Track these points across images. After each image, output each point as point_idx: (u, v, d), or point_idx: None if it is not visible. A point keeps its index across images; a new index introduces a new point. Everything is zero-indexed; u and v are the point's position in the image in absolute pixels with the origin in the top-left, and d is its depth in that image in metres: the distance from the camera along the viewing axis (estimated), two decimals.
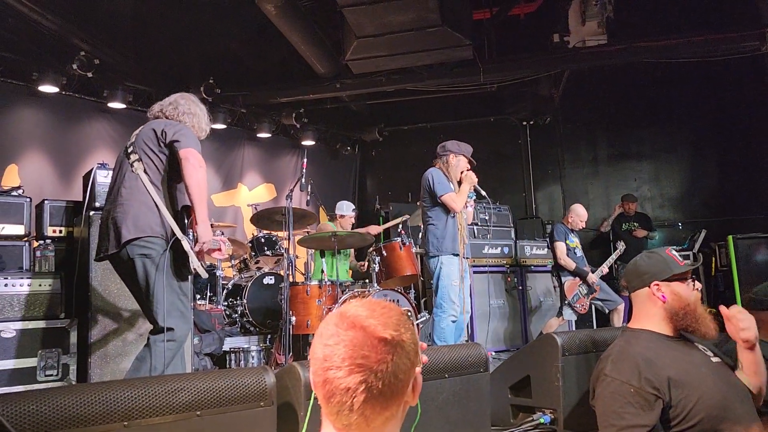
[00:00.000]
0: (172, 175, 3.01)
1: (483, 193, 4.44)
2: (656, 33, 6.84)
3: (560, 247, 5.97)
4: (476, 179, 4.37)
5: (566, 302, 5.88)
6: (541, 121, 8.94)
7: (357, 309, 1.09)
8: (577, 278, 5.93)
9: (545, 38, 7.12)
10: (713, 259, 7.35)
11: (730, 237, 7.01)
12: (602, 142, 9.00)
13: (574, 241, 6.12)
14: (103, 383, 1.67)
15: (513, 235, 6.90)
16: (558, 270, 6.05)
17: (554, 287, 6.32)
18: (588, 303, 5.94)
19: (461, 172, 4.39)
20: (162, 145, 2.99)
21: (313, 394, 1.10)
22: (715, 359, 2.10)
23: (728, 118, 8.33)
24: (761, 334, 2.52)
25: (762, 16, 7.32)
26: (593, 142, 9.03)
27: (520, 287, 6.48)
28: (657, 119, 8.65)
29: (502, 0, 7.02)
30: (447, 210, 4.30)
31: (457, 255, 4.21)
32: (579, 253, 6.11)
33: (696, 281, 2.17)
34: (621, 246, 6.59)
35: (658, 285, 2.09)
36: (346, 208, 6.14)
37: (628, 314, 7.38)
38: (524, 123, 9.11)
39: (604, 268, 6.14)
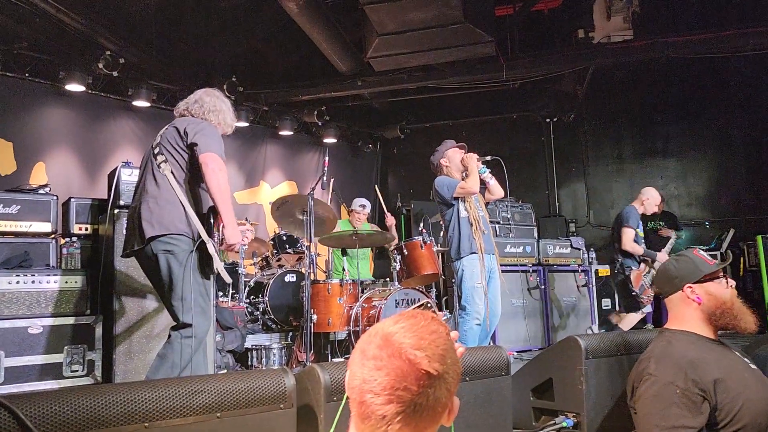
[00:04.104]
0: (196, 174, 3.03)
1: (488, 158, 4.38)
2: (683, 28, 6.71)
3: (628, 232, 5.49)
4: (475, 154, 4.32)
5: (634, 293, 5.49)
6: (565, 118, 8.83)
7: (404, 335, 1.03)
8: (642, 267, 5.51)
9: (569, 34, 7.03)
10: (741, 258, 7.19)
11: (759, 237, 6.85)
12: (627, 139, 8.85)
13: (641, 229, 5.70)
14: (124, 384, 1.68)
15: (536, 234, 6.83)
16: (622, 258, 5.57)
17: (616, 279, 5.79)
18: (651, 295, 5.51)
19: (461, 161, 4.35)
20: (185, 144, 3.02)
21: (345, 399, 1.08)
22: (753, 366, 2.07)
23: (757, 115, 8.13)
24: None
25: None
26: (618, 139, 8.89)
27: (543, 286, 6.41)
28: (684, 116, 8.49)
29: None
30: (456, 211, 4.25)
31: (477, 253, 4.15)
32: (643, 243, 5.64)
33: (729, 278, 2.14)
34: (674, 234, 6.28)
35: (691, 287, 2.07)
36: (354, 203, 6.14)
37: (654, 319, 7.30)
38: (547, 120, 9.01)
39: (663, 256, 5.58)
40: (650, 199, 5.70)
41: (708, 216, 8.34)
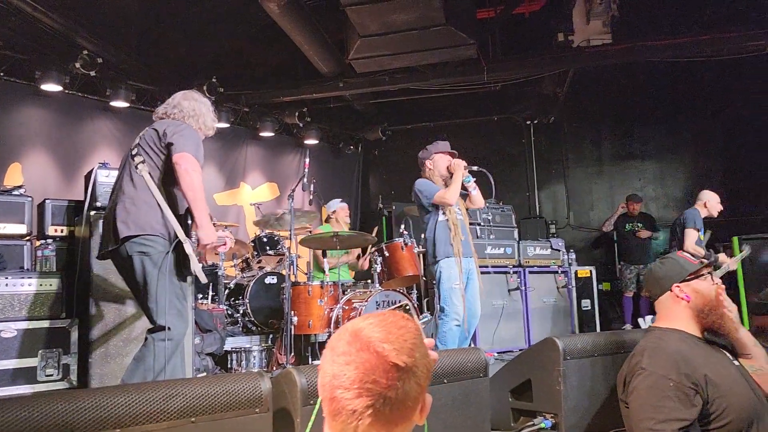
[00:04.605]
0: (174, 175, 3.01)
1: (475, 168, 4.36)
2: (661, 32, 6.79)
3: (692, 234, 5.51)
4: (463, 162, 4.31)
5: None
6: (546, 121, 8.90)
7: (372, 330, 1.05)
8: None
9: (550, 37, 7.07)
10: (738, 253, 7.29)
11: (734, 238, 6.95)
12: (607, 142, 8.95)
13: (703, 233, 5.74)
14: (96, 389, 1.65)
15: (516, 236, 6.87)
16: None
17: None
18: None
19: (447, 167, 4.34)
20: (163, 145, 2.99)
21: (319, 401, 1.08)
22: (736, 362, 2.13)
23: (733, 119, 8.27)
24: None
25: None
26: (598, 142, 8.98)
27: (523, 288, 6.44)
28: (662, 119, 8.60)
29: None
30: (435, 214, 4.26)
31: (454, 257, 4.16)
32: (702, 245, 5.69)
33: (714, 276, 2.21)
34: (747, 248, 5.98)
35: (679, 286, 2.13)
36: (334, 204, 6.13)
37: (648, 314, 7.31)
38: (528, 122, 9.08)
39: (733, 265, 5.65)
40: (711, 200, 5.80)
41: None
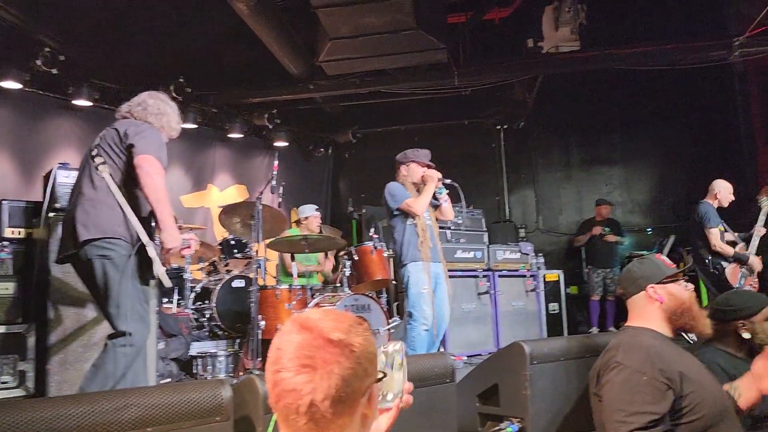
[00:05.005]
0: (136, 177, 2.93)
1: (448, 181, 4.37)
2: (627, 41, 6.92)
3: (715, 233, 5.26)
4: (438, 174, 4.31)
5: (737, 288, 5.23)
6: (515, 126, 8.98)
7: (310, 313, 1.09)
8: (735, 263, 5.29)
9: (519, 43, 7.15)
10: (681, 264, 7.45)
11: None
12: (575, 147, 9.08)
13: (723, 224, 5.44)
14: (47, 399, 1.59)
15: (486, 240, 6.90)
16: (712, 257, 5.33)
17: (711, 279, 5.41)
18: (755, 281, 5.28)
19: (421, 176, 4.34)
20: (124, 146, 2.92)
21: (274, 418, 1.08)
22: (703, 364, 2.17)
23: (696, 126, 8.48)
24: (722, 345, 2.56)
25: (729, 26, 7.48)
26: (566, 147, 9.10)
27: (493, 291, 6.47)
28: (628, 125, 8.76)
29: (477, 4, 7.02)
30: (403, 218, 4.25)
31: (422, 261, 4.15)
32: (722, 239, 5.40)
33: (688, 282, 2.25)
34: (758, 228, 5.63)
35: (653, 288, 2.17)
36: (308, 210, 6.07)
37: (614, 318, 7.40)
38: (498, 127, 9.15)
39: (761, 230, 5.39)
40: (722, 191, 5.48)
41: (650, 222, 8.62)
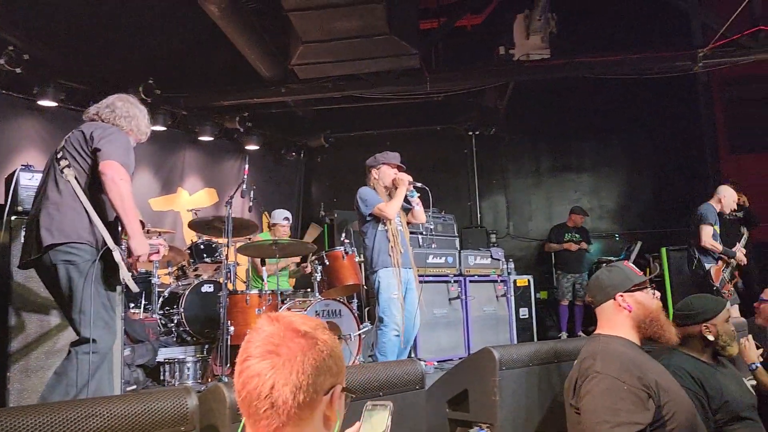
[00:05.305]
0: (102, 182, 2.88)
1: (419, 185, 4.38)
2: (597, 50, 7.04)
3: (707, 230, 5.48)
4: (409, 177, 4.32)
5: (715, 288, 5.44)
6: (487, 132, 9.05)
7: (283, 311, 1.16)
8: (719, 263, 5.52)
9: (491, 50, 7.22)
10: (647, 269, 7.60)
11: (663, 249, 7.27)
12: (545, 154, 9.20)
13: (719, 227, 5.65)
14: (6, 409, 1.54)
15: (457, 245, 6.93)
16: (699, 255, 5.56)
17: (695, 276, 5.65)
18: (732, 290, 5.52)
19: (392, 179, 4.35)
20: (90, 149, 2.86)
21: (241, 425, 1.10)
22: (668, 370, 2.21)
23: (662, 134, 8.69)
24: (687, 349, 2.61)
25: (694, 37, 7.67)
26: (536, 154, 9.22)
27: (464, 297, 6.50)
28: (597, 133, 8.92)
29: (450, 11, 7.07)
30: (375, 224, 4.25)
31: (392, 267, 4.15)
32: (718, 240, 5.62)
33: (655, 289, 2.28)
34: (745, 231, 6.04)
35: (622, 296, 2.18)
36: (278, 216, 6.01)
37: (582, 322, 7.51)
38: (470, 133, 9.21)
39: (740, 253, 5.62)
40: (727, 197, 5.67)
41: (618, 229, 8.78)
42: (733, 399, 2.44)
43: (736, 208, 5.82)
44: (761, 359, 3.11)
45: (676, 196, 8.45)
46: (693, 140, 8.61)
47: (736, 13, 5.68)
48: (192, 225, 5.57)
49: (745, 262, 5.61)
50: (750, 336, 3.14)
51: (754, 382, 2.90)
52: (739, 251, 5.60)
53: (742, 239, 5.83)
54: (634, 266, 2.31)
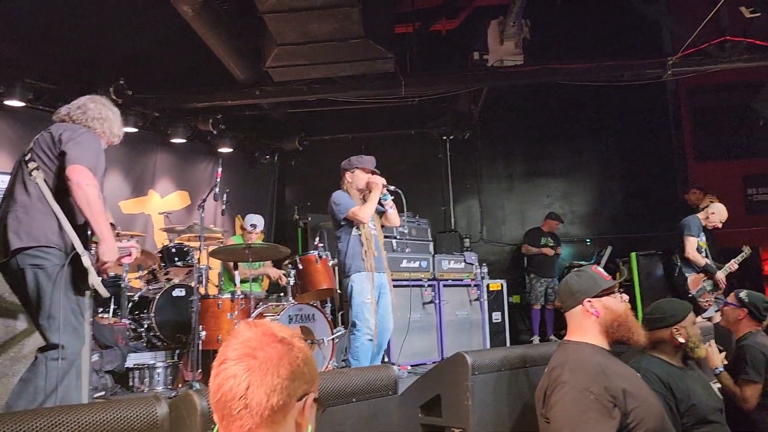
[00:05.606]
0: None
1: (392, 188, 4.39)
2: (569, 57, 7.14)
3: (692, 241, 5.55)
4: (382, 180, 4.32)
5: (690, 296, 5.48)
6: (461, 136, 9.11)
7: (255, 317, 1.21)
8: (702, 274, 5.58)
9: (465, 55, 7.27)
10: (617, 274, 7.73)
11: (633, 254, 7.40)
12: (518, 159, 9.30)
13: (704, 239, 5.72)
14: None
15: (431, 249, 6.95)
16: (682, 263, 5.64)
17: (673, 283, 5.72)
18: (713, 300, 5.54)
19: (366, 183, 4.35)
20: (58, 151, 2.81)
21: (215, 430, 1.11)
22: (638, 374, 2.24)
23: (631, 140, 8.86)
24: (657, 352, 2.66)
25: (663, 46, 7.84)
26: (510, 159, 9.31)
27: (437, 301, 6.52)
28: (569, 139, 9.05)
29: (425, 15, 7.11)
30: (348, 228, 4.25)
31: (366, 271, 4.15)
32: (703, 252, 5.69)
33: (623, 293, 2.29)
34: (747, 248, 5.90)
35: (590, 301, 2.19)
36: (246, 222, 5.96)
37: (554, 326, 7.59)
38: (444, 137, 9.26)
39: (733, 265, 5.67)
40: (716, 214, 5.68)
41: (589, 234, 8.91)
42: (700, 402, 2.49)
43: (720, 226, 5.76)
44: (725, 362, 3.19)
45: (644, 203, 8.62)
46: (662, 147, 8.80)
47: (704, 23, 5.81)
48: (166, 231, 5.50)
49: (723, 286, 5.58)
50: (713, 341, 3.22)
51: (719, 386, 2.97)
52: (722, 272, 5.60)
53: (739, 255, 5.77)
54: (602, 271, 2.33)
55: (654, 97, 8.48)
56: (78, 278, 2.78)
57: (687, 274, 5.61)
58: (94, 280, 2.75)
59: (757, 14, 5.30)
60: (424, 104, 8.09)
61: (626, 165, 8.91)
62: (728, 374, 3.13)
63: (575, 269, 2.41)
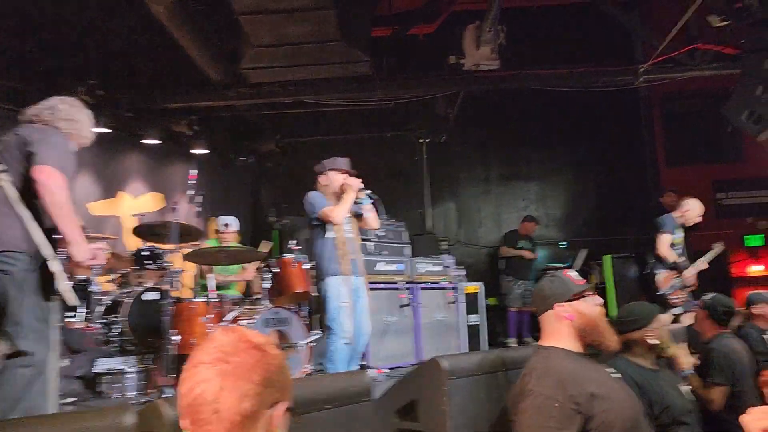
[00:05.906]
0: None
1: (368, 192, 4.37)
2: (544, 63, 7.22)
3: (665, 238, 5.53)
4: (358, 182, 4.30)
5: (659, 293, 5.48)
6: (438, 140, 9.13)
7: (240, 327, 1.18)
8: (673, 271, 5.56)
9: (442, 59, 7.29)
10: (591, 276, 7.82)
11: (606, 256, 7.49)
12: (494, 163, 9.37)
13: (680, 237, 5.68)
14: None
15: (408, 252, 6.94)
16: (653, 260, 5.64)
17: (644, 281, 5.77)
18: (685, 296, 5.51)
19: (340, 185, 4.32)
20: (26, 153, 2.74)
21: None
22: (615, 375, 2.25)
23: (604, 145, 9.00)
24: (630, 355, 2.69)
25: (635, 53, 7.97)
26: (486, 162, 9.37)
27: (414, 304, 6.51)
28: (544, 143, 9.15)
29: (402, 19, 7.12)
30: (322, 230, 4.22)
31: (341, 275, 4.12)
32: (680, 251, 5.68)
33: (596, 295, 2.31)
34: (718, 246, 5.86)
35: (562, 306, 2.21)
36: (219, 223, 5.89)
37: (530, 328, 7.63)
38: (421, 140, 9.27)
39: (703, 263, 5.63)
40: (690, 211, 5.64)
41: (564, 237, 9.00)
42: (673, 404, 2.53)
43: (699, 221, 5.76)
44: (697, 362, 3.24)
45: (617, 206, 8.75)
46: (634, 152, 8.94)
47: (674, 32, 5.92)
48: (136, 232, 5.40)
49: (691, 284, 5.57)
50: (685, 344, 3.26)
51: (689, 388, 3.01)
52: (692, 269, 5.58)
53: (708, 253, 5.74)
54: (574, 275, 2.34)
55: (627, 104, 8.62)
56: (46, 284, 2.72)
57: (656, 272, 5.62)
58: (63, 286, 2.69)
59: (726, 23, 5.41)
60: (401, 107, 8.09)
61: (600, 169, 9.04)
62: (697, 376, 3.18)
63: (549, 273, 2.42)
